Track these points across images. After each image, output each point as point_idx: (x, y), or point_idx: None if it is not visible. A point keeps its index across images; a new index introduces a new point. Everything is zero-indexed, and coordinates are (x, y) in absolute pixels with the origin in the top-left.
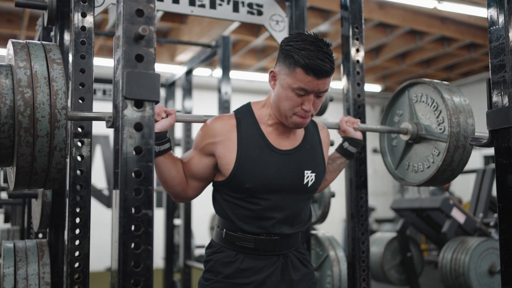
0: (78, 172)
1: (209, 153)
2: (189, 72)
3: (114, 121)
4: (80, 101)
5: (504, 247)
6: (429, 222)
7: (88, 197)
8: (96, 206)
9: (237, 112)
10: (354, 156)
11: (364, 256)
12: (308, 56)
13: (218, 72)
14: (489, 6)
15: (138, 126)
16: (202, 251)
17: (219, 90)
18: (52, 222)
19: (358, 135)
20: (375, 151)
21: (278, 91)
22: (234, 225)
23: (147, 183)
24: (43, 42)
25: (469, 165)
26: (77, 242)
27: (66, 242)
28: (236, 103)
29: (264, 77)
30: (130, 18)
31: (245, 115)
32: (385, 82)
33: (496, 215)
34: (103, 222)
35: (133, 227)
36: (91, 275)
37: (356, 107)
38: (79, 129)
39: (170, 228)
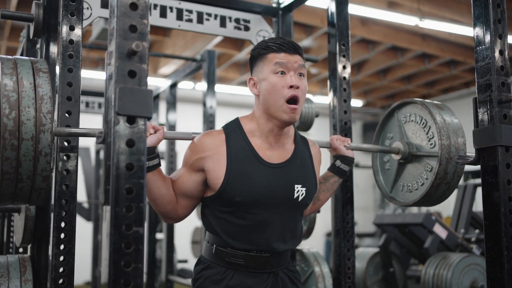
0: (64, 186)
1: (198, 168)
2: (173, 86)
3: (105, 137)
4: (67, 115)
5: (490, 264)
6: (411, 238)
7: (73, 212)
8: (82, 224)
9: (226, 127)
10: (347, 174)
11: (349, 272)
12: (273, 40)
13: (202, 85)
14: (475, 26)
15: (130, 142)
16: (184, 266)
17: (204, 104)
18: (35, 237)
19: (350, 153)
20: (356, 165)
21: (261, 86)
22: (223, 241)
23: (139, 200)
24: (30, 58)
25: None
26: (61, 258)
27: (51, 258)
28: (220, 116)
29: (246, 91)
30: (123, 34)
31: (233, 129)
32: (366, 97)
33: (477, 230)
34: (82, 236)
35: (123, 245)
36: None
37: (342, 123)
38: (65, 143)
39: (152, 243)
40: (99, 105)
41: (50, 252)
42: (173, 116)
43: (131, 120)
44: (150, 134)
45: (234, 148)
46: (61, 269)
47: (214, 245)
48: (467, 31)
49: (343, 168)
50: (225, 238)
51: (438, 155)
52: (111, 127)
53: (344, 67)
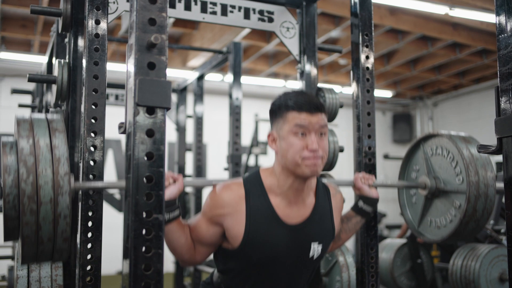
0: (91, 176)
1: (217, 223)
2: (200, 78)
3: (126, 128)
4: (93, 107)
5: (511, 254)
6: None
7: (100, 201)
8: (107, 210)
9: (246, 181)
10: (371, 215)
11: (373, 262)
12: (295, 98)
13: (229, 77)
14: (497, 14)
15: (149, 132)
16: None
17: (230, 96)
18: None
19: (374, 193)
20: (386, 157)
21: (281, 145)
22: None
23: (158, 188)
24: (46, 115)
25: None
26: (89, 245)
27: (79, 245)
28: (248, 108)
29: (275, 82)
30: (142, 27)
31: (254, 185)
32: (396, 88)
33: None
34: (114, 226)
35: (144, 231)
36: (102, 278)
37: (365, 113)
38: (92, 134)
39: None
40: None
41: (78, 240)
42: (200, 108)
43: (150, 110)
44: (169, 183)
45: (253, 207)
46: (89, 256)
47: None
48: None
49: (365, 209)
50: (234, 285)
51: (466, 192)
52: (132, 118)
53: (367, 57)
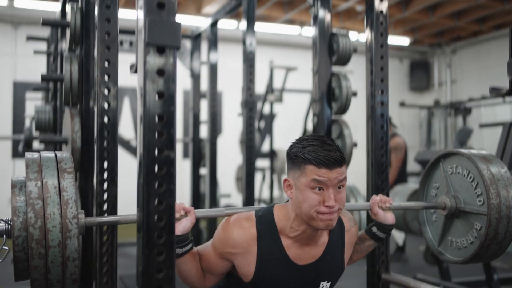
0: (106, 119)
1: (227, 259)
2: (214, 24)
3: (137, 67)
4: (107, 50)
5: None
6: None
7: (115, 143)
8: (124, 156)
9: (258, 220)
10: (384, 240)
11: None
12: (314, 151)
13: (243, 24)
14: None
15: (160, 72)
16: (227, 201)
17: (244, 42)
18: (82, 167)
19: (390, 219)
20: (402, 104)
21: (296, 196)
22: None
23: (169, 125)
24: (56, 152)
25: (498, 118)
26: (105, 186)
27: (95, 186)
28: (262, 55)
29: (291, 29)
30: None
31: (266, 225)
32: (414, 35)
33: None
34: (130, 171)
35: (156, 168)
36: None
37: (378, 57)
38: (106, 77)
39: (196, 178)
40: (130, 44)
41: (94, 181)
42: (214, 56)
43: (160, 50)
44: (181, 215)
45: (264, 249)
46: (105, 196)
47: None
48: None
49: (379, 236)
50: None
51: (487, 215)
52: (142, 58)
53: (381, 0)
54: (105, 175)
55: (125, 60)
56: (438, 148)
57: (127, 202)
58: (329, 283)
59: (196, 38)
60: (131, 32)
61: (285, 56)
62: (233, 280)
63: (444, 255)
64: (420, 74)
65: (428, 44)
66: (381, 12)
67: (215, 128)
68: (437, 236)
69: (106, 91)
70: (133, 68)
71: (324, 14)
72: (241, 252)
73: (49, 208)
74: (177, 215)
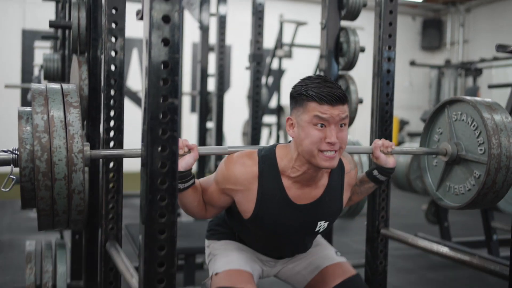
0: (113, 67)
1: (228, 194)
2: None
3: (143, 14)
4: (114, 11)
5: None
6: None
7: (121, 92)
8: (131, 108)
9: (261, 159)
10: (384, 183)
11: None
12: (317, 87)
13: None
14: None
15: (166, 18)
16: None
17: None
18: (89, 116)
19: (391, 163)
20: (412, 63)
21: (298, 133)
22: (242, 239)
23: (174, 73)
24: (62, 84)
25: (509, 80)
26: (111, 133)
27: (102, 134)
28: (272, 9)
29: None
30: None
31: (268, 165)
32: None
33: None
34: (137, 122)
35: (160, 115)
36: (127, 175)
37: (387, 12)
38: (113, 25)
39: (202, 131)
40: None
41: (101, 129)
42: (223, 8)
43: None
44: (184, 152)
45: (265, 188)
46: (111, 144)
47: (236, 234)
48: None
49: (379, 178)
50: (242, 236)
51: (487, 165)
52: (148, 3)
53: None
54: (112, 123)
55: (134, 9)
56: None
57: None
58: (327, 222)
59: None
60: None
61: (295, 11)
62: (232, 215)
63: (442, 201)
64: (433, 33)
65: (442, 2)
66: None
67: (222, 82)
68: (436, 181)
69: (113, 39)
70: (140, 15)
71: None
72: (242, 189)
73: (55, 141)
74: (180, 151)
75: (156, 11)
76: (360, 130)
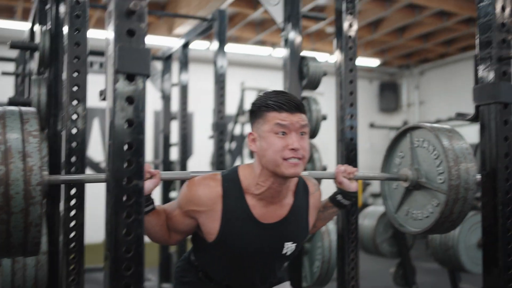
0: (74, 144)
1: (192, 216)
2: (185, 46)
3: (106, 94)
4: (75, 74)
5: (485, 219)
6: None
7: (83, 169)
8: None
9: (224, 179)
10: (347, 208)
11: (353, 228)
12: (275, 97)
13: (214, 45)
14: None
15: (130, 99)
16: None
17: (215, 64)
18: (49, 194)
19: (353, 187)
20: (371, 125)
21: (261, 145)
22: (208, 274)
23: (138, 154)
24: (21, 109)
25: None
26: (72, 213)
27: (62, 213)
28: (234, 76)
29: (263, 50)
30: None
31: (232, 184)
32: (383, 56)
33: None
34: (100, 195)
35: (124, 197)
36: (88, 247)
37: (348, 82)
38: (75, 102)
39: (166, 201)
40: (101, 65)
41: (61, 207)
42: (185, 77)
43: (130, 77)
44: (146, 178)
45: (229, 207)
46: (72, 223)
47: (201, 272)
48: None
49: (343, 203)
50: (209, 270)
51: (446, 196)
52: (112, 85)
53: (350, 25)
54: (73, 202)
55: (95, 81)
56: None
57: (96, 227)
58: (294, 244)
59: (167, 59)
60: (102, 53)
61: (256, 77)
62: (197, 243)
63: (403, 227)
64: (389, 95)
65: (397, 66)
66: (350, 37)
67: (185, 150)
68: (395, 204)
69: (74, 116)
70: (103, 95)
71: (294, 37)
72: (206, 210)
73: (12, 174)
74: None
75: (120, 93)
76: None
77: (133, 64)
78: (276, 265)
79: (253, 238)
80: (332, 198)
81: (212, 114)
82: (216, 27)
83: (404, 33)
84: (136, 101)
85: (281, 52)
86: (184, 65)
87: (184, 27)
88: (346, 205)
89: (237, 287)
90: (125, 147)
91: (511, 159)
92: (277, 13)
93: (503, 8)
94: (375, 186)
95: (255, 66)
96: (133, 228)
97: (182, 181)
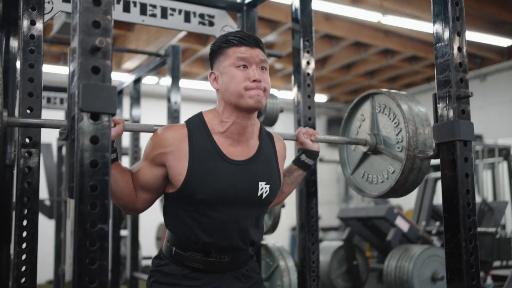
0: (26, 184)
1: (159, 163)
2: (137, 81)
3: (69, 134)
4: (29, 111)
5: (449, 256)
6: (374, 231)
7: (36, 210)
8: (46, 223)
9: (188, 122)
10: (312, 168)
11: (314, 266)
12: (232, 34)
13: (167, 80)
14: (434, 23)
15: (94, 139)
16: (149, 262)
17: (169, 100)
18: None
19: (316, 147)
20: (320, 160)
21: (223, 80)
22: (184, 244)
23: (103, 197)
24: None
25: None
26: (23, 257)
27: (13, 257)
28: (184, 111)
29: (211, 86)
30: (86, 30)
31: (197, 125)
32: (330, 92)
33: (437, 223)
34: (44, 233)
35: (88, 242)
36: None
37: (306, 119)
38: (27, 140)
39: (116, 240)
40: (61, 101)
41: (12, 251)
42: (137, 112)
43: (95, 116)
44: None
45: (196, 145)
46: (23, 268)
47: (174, 248)
48: (428, 27)
49: (307, 163)
50: (187, 236)
51: (402, 164)
52: (75, 124)
53: (308, 63)
54: (24, 245)
55: (45, 116)
56: (355, 203)
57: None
58: (268, 185)
59: (118, 94)
60: (48, 88)
61: None
62: (168, 204)
63: (356, 186)
64: (337, 130)
65: (344, 101)
66: (308, 74)
67: None
68: (352, 166)
69: (26, 154)
70: (63, 135)
71: None
72: (173, 150)
73: None
74: None
75: (84, 133)
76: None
77: (97, 102)
78: (252, 212)
79: (224, 175)
80: (297, 160)
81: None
82: (170, 63)
83: (351, 69)
84: (100, 141)
85: None
86: (136, 100)
87: (132, 62)
88: (311, 165)
89: (214, 249)
90: (89, 189)
91: (472, 195)
92: None
93: (459, 49)
94: (324, 221)
95: (205, 101)
96: (97, 275)
97: None
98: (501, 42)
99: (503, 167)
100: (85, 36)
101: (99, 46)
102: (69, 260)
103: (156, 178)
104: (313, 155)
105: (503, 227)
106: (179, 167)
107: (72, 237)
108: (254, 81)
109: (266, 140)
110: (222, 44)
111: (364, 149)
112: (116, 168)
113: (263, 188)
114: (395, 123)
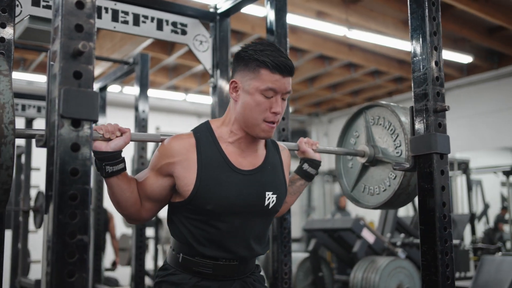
0: None
1: (166, 173)
2: (103, 89)
3: (47, 140)
4: None
5: (425, 268)
6: (340, 242)
7: (2, 225)
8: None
9: (195, 131)
10: (314, 177)
11: (286, 277)
12: (270, 56)
13: (135, 89)
14: (412, 38)
15: (75, 147)
16: (110, 274)
17: (136, 109)
18: None
19: (318, 157)
20: None
21: (244, 99)
22: (192, 250)
23: (84, 206)
24: None
25: None
26: None
27: None
28: (149, 121)
29: (175, 95)
30: (68, 33)
31: (204, 134)
32: (294, 104)
33: (402, 235)
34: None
35: (66, 254)
36: None
37: (280, 129)
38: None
39: None
40: (23, 107)
41: None
42: (102, 121)
43: (76, 123)
44: (116, 136)
45: (204, 154)
46: None
47: (181, 254)
48: (392, 42)
49: (310, 172)
50: (195, 245)
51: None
52: (55, 131)
53: None
54: None
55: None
56: (317, 215)
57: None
58: (275, 195)
59: None
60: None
61: (171, 122)
62: (174, 214)
63: (359, 203)
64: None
65: (307, 113)
66: None
67: (101, 197)
68: (351, 182)
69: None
70: (41, 142)
71: (223, 83)
72: (181, 160)
73: None
74: (113, 136)
75: (64, 140)
76: None
77: (79, 108)
78: (259, 223)
79: (232, 185)
80: (299, 169)
81: (131, 160)
82: (138, 71)
83: (314, 82)
84: (81, 148)
85: (209, 99)
86: (102, 108)
87: (96, 70)
88: (313, 174)
89: (221, 257)
90: (68, 198)
91: (448, 208)
92: (206, 59)
93: (436, 63)
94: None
95: (169, 111)
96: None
97: None
98: (461, 59)
99: (462, 180)
100: (67, 39)
101: (82, 50)
102: (45, 272)
103: (163, 188)
104: (315, 164)
105: (461, 239)
106: (188, 177)
107: (46, 249)
108: (274, 113)
109: (272, 149)
110: (255, 61)
111: (362, 160)
112: (123, 178)
113: (270, 197)
114: (391, 130)
